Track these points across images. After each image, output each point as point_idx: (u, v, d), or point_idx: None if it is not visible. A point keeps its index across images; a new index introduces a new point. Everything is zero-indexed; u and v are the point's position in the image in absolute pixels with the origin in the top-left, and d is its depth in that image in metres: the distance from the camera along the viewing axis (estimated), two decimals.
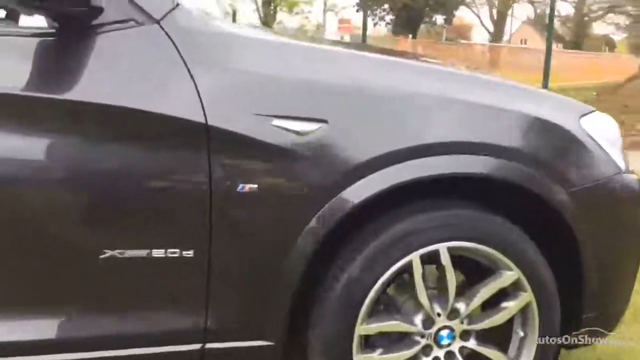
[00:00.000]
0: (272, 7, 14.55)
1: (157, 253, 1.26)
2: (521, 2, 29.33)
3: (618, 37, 38.83)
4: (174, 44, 1.27)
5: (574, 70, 17.95)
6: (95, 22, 1.24)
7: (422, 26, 25.25)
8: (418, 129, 1.37)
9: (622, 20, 32.95)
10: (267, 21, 13.99)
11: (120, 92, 1.24)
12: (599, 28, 34.66)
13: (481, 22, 29.09)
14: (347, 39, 20.36)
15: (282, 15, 15.36)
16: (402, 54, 1.86)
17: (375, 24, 24.48)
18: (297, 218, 1.31)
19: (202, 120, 1.24)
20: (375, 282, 1.37)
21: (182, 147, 1.26)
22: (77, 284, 1.28)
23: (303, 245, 1.32)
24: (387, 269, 1.37)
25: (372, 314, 1.41)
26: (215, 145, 1.25)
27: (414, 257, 1.38)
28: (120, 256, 1.24)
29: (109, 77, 1.25)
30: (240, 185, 1.27)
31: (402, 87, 1.39)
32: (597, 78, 17.30)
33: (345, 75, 1.38)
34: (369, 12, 23.59)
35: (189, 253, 1.28)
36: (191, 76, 1.26)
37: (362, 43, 2.11)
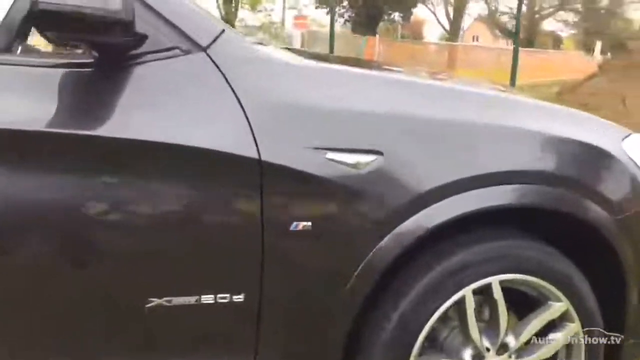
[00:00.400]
0: (233, 5, 14.32)
1: (206, 299, 1.18)
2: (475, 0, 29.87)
3: (564, 33, 40.06)
4: (222, 73, 1.18)
5: (527, 68, 18.31)
6: (136, 51, 1.14)
7: (381, 24, 25.37)
8: (475, 158, 1.31)
9: (571, 17, 34.06)
10: (229, 19, 13.78)
11: (165, 127, 1.14)
12: (546, 25, 35.66)
13: (437, 19, 29.48)
14: (305, 35, 20.26)
15: (243, 13, 15.16)
16: (445, 78, 1.81)
17: (335, 21, 24.37)
18: (352, 256, 1.24)
19: (256, 155, 1.16)
20: (428, 319, 1.32)
21: (234, 185, 1.17)
22: (121, 335, 1.18)
23: (358, 284, 1.25)
24: (441, 305, 1.32)
25: (421, 352, 1.35)
26: (268, 181, 1.17)
27: (467, 291, 1.33)
28: (167, 304, 1.15)
29: (153, 111, 1.15)
30: (294, 224, 1.19)
31: (456, 115, 1.33)
32: (551, 76, 17.75)
33: (399, 103, 1.31)
34: (327, 9, 23.59)
35: (239, 297, 1.19)
36: (242, 108, 1.17)
37: (409, 68, 2.01)
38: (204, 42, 1.19)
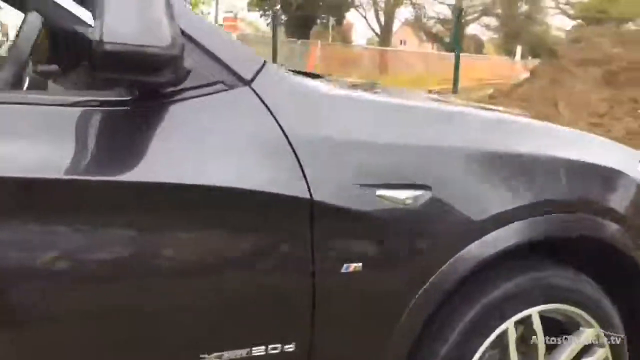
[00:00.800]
0: None
1: (257, 351, 1.09)
2: (404, 5, 30.43)
3: (485, 37, 41.51)
4: (268, 108, 1.11)
5: (451, 71, 18.65)
6: (177, 86, 1.04)
7: (315, 27, 25.41)
8: (521, 188, 1.29)
9: (493, 22, 35.38)
10: None
11: (210, 169, 1.05)
12: (469, 29, 36.83)
13: (368, 24, 29.87)
14: (238, 39, 19.96)
15: None
16: (486, 108, 1.79)
17: (267, 24, 24.33)
18: (403, 295, 1.20)
19: (307, 195, 1.09)
20: (474, 355, 1.29)
21: (284, 228, 1.10)
22: None
23: (409, 324, 1.20)
24: (485, 339, 1.29)
25: None
26: (319, 222, 1.10)
27: (510, 324, 1.31)
28: None
29: (197, 152, 1.05)
30: (345, 265, 1.13)
31: (499, 145, 1.31)
32: (479, 80, 18.28)
33: (443, 134, 1.27)
34: (261, 12, 23.40)
35: (290, 347, 1.12)
36: (290, 145, 1.10)
37: (452, 99, 1.94)
38: (247, 75, 1.11)
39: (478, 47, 40.61)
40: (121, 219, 1.00)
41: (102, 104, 1.02)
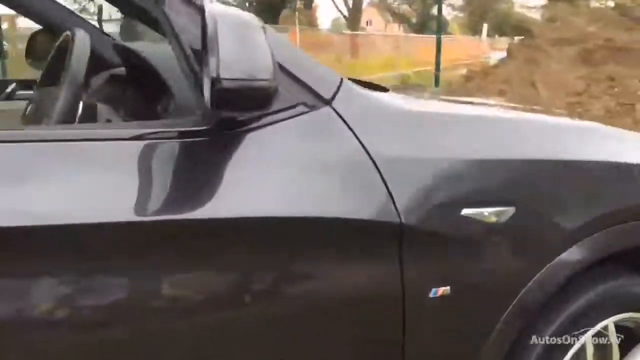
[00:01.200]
0: None
1: None
2: None
3: (449, 16, 41.73)
4: (350, 128, 1.03)
5: (422, 53, 18.66)
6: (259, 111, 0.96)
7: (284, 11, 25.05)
8: (604, 197, 1.25)
9: (458, 1, 35.56)
10: None
11: (298, 197, 0.98)
12: (434, 9, 36.91)
13: (336, 6, 29.66)
14: None
15: None
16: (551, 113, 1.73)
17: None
18: (492, 315, 1.14)
19: (397, 219, 1.02)
20: None
21: (374, 256, 1.03)
22: None
23: (498, 344, 1.15)
24: (568, 351, 1.25)
25: None
26: (407, 247, 1.03)
27: (588, 337, 1.27)
28: None
29: (284, 181, 0.97)
30: (433, 290, 1.07)
31: (577, 155, 1.26)
32: (449, 60, 18.33)
33: (522, 147, 1.21)
34: None
35: None
36: (376, 167, 1.02)
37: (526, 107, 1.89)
38: (327, 95, 1.04)
39: (443, 26, 40.75)
40: (217, 256, 0.93)
41: (180, 135, 0.94)
